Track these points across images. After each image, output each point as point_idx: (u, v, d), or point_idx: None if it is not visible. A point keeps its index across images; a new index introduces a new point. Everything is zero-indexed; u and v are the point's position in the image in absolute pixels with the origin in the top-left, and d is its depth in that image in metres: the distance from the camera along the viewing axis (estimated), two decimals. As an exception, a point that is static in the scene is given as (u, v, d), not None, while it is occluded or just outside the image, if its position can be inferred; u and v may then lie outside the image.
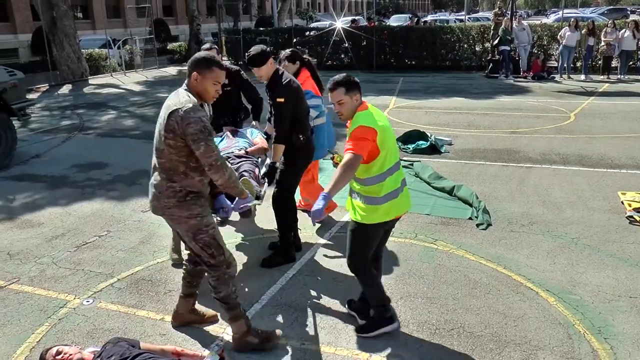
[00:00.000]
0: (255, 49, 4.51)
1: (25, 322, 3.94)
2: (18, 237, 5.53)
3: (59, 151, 9.24)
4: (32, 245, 5.30)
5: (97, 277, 4.61)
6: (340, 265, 4.66)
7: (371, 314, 3.74)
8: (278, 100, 4.42)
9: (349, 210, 3.60)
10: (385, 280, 4.36)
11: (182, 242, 4.42)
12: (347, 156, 3.26)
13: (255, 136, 5.21)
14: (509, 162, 7.59)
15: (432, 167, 7.19)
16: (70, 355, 2.94)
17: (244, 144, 4.97)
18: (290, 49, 5.32)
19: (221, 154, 4.56)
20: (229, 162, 4.26)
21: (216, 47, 5.37)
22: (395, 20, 31.63)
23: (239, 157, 4.69)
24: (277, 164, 4.54)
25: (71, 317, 3.99)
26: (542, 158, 7.76)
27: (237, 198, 3.57)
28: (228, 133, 5.16)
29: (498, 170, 7.25)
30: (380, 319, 3.65)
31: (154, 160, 3.30)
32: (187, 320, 3.81)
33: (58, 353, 2.94)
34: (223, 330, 3.74)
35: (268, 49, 4.58)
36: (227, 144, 4.96)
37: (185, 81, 3.30)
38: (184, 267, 3.77)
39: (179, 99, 3.18)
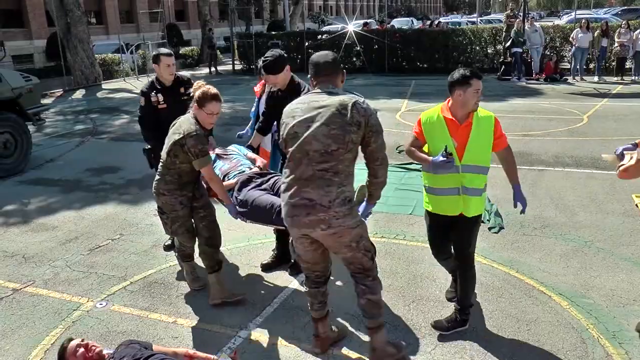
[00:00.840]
0: (271, 55, 4.19)
1: (40, 325, 3.99)
2: (33, 241, 5.60)
3: (72, 155, 9.35)
4: (46, 249, 5.37)
5: (110, 280, 4.65)
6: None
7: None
8: None
9: (461, 210, 3.54)
10: (397, 282, 4.37)
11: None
12: (510, 150, 3.65)
13: (244, 152, 4.71)
14: (522, 165, 7.53)
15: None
16: (94, 345, 3.00)
17: (245, 160, 4.55)
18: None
19: (232, 173, 4.47)
20: (258, 181, 4.12)
21: (172, 52, 5.09)
22: (397, 24, 31.22)
23: (260, 174, 4.25)
24: None
25: (85, 319, 4.04)
26: (555, 161, 7.71)
27: (365, 203, 3.35)
28: (218, 152, 4.66)
29: (510, 173, 7.19)
30: (462, 319, 3.69)
31: (311, 169, 3.04)
32: (332, 340, 3.57)
33: (82, 342, 3.00)
34: (235, 334, 3.76)
35: (284, 53, 4.33)
36: (228, 164, 4.52)
37: (327, 85, 3.18)
38: (312, 292, 3.44)
39: (346, 95, 3.11)
